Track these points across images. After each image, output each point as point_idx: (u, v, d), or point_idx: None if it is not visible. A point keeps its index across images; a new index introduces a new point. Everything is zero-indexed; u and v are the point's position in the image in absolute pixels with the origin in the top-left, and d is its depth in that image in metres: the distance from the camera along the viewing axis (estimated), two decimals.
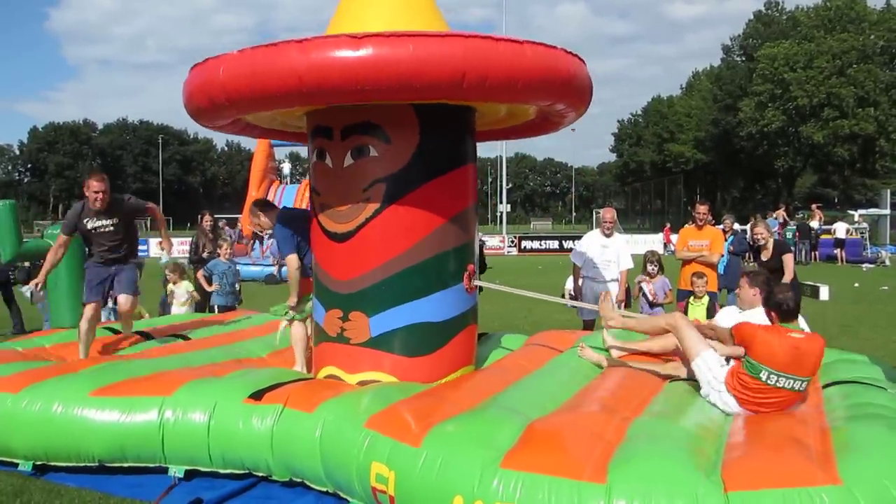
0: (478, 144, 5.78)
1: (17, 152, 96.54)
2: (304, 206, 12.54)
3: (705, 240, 8.17)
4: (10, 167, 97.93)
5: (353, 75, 4.24)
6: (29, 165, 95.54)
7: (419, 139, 5.12)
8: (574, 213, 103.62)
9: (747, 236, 21.47)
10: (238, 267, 10.52)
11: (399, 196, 5.08)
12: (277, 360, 6.23)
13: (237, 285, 9.98)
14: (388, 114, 5.02)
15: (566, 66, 4.80)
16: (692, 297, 7.75)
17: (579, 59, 5.01)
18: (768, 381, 4.40)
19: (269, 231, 6.75)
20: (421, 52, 4.24)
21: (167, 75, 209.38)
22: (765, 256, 7.65)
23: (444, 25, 5.35)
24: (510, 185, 73.35)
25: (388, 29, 4.48)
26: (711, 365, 4.74)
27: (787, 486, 3.23)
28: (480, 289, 5.92)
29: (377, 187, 5.08)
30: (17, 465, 4.92)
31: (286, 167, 31.62)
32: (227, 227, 22.47)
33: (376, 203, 5.09)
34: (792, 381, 4.38)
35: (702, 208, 8.49)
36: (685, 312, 7.69)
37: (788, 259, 7.52)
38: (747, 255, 9.25)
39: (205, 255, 10.39)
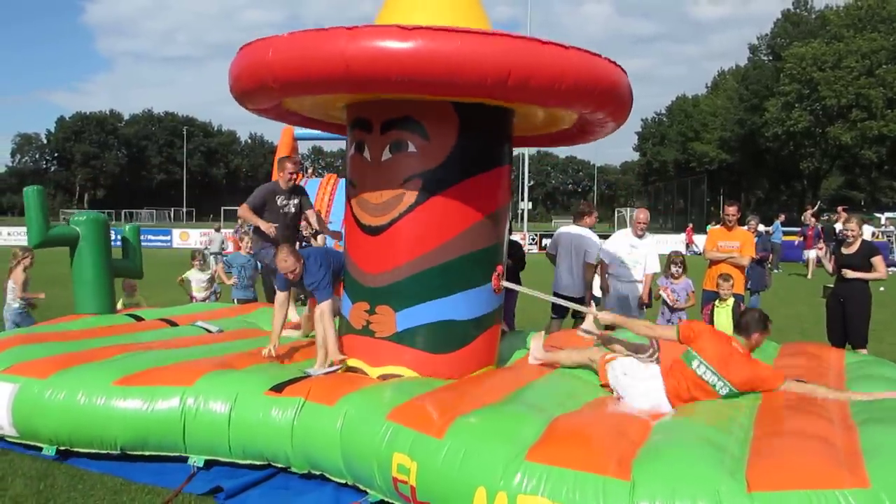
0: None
1: (45, 141, 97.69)
2: (325, 200, 12.22)
3: (735, 241, 8.05)
4: (37, 156, 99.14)
5: (399, 66, 4.24)
6: (56, 154, 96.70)
7: (457, 138, 5.11)
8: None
9: (773, 238, 21.31)
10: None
11: (434, 193, 5.08)
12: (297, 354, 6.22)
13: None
14: (428, 110, 5.01)
15: (608, 73, 4.78)
16: (718, 300, 7.65)
17: (621, 68, 4.98)
18: (697, 371, 4.65)
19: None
20: (468, 48, 4.24)
21: (195, 69, 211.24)
22: (848, 251, 7.47)
23: (488, 26, 5.29)
24: (532, 183, 73.10)
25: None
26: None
27: (812, 487, 3.17)
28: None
29: (413, 182, 5.08)
30: (40, 449, 5.00)
31: None
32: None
33: (411, 198, 5.09)
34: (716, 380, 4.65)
35: (731, 209, 8.35)
36: (711, 316, 7.61)
37: (879, 261, 7.33)
38: (771, 258, 9.09)
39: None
